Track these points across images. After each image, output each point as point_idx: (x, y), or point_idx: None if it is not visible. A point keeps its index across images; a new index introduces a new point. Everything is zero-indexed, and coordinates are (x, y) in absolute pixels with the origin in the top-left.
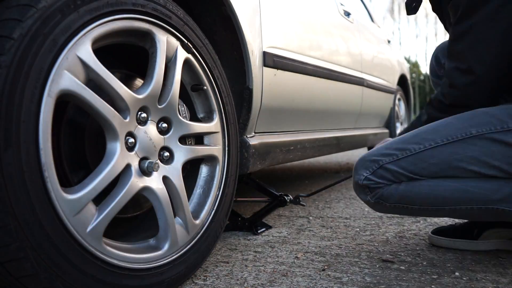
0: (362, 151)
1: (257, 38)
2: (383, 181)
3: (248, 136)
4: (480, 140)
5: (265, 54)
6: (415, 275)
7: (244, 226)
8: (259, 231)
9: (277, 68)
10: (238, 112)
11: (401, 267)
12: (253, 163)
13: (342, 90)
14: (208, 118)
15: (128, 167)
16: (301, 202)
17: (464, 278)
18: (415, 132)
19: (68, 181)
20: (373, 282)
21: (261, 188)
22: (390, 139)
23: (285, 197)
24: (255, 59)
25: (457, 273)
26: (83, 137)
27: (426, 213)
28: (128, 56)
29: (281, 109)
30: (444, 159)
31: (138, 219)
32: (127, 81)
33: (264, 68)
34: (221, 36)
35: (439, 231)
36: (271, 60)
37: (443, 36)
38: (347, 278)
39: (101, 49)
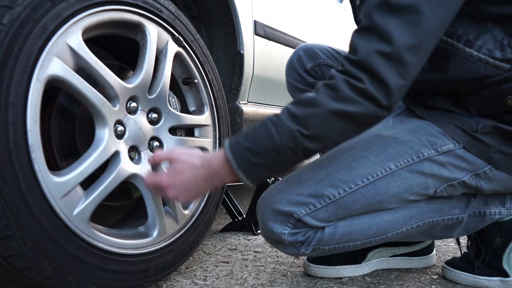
0: None
1: (248, 6)
2: (309, 229)
3: (241, 102)
4: (400, 175)
5: (256, 23)
6: (415, 275)
7: (244, 226)
8: (259, 231)
9: (269, 39)
10: (230, 78)
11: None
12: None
13: None
14: (199, 111)
15: (116, 153)
16: None
17: None
18: (325, 169)
19: (58, 167)
20: (373, 282)
21: None
22: None
23: (267, 180)
24: (245, 26)
25: None
26: (73, 125)
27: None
28: (123, 51)
29: (274, 81)
30: (366, 202)
31: (132, 208)
32: (121, 74)
33: (255, 36)
34: (212, 3)
35: (316, 260)
36: (262, 30)
37: None
38: (347, 278)
39: (96, 43)
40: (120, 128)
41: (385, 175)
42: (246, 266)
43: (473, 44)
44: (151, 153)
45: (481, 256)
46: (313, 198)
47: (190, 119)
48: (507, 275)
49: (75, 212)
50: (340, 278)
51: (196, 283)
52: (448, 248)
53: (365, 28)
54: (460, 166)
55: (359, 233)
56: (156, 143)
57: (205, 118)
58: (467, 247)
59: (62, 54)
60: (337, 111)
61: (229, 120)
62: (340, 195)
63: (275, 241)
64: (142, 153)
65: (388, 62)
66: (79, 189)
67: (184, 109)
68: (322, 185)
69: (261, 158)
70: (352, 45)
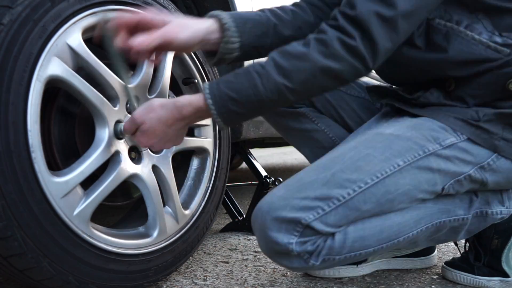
0: None
1: (248, 6)
2: (319, 236)
3: None
4: (408, 171)
5: None
6: (415, 275)
7: (244, 226)
8: None
9: None
10: None
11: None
12: (246, 130)
13: None
14: None
15: (117, 154)
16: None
17: None
18: (329, 171)
19: (58, 167)
20: (373, 282)
21: (249, 162)
22: None
23: (268, 179)
24: None
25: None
26: (73, 125)
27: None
28: None
29: None
30: (377, 201)
31: (132, 208)
32: None
33: None
34: (212, 3)
35: None
36: None
37: None
38: (347, 278)
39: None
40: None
41: (394, 171)
42: (246, 266)
43: (474, 29)
44: (151, 153)
45: (480, 259)
46: (321, 201)
47: None
48: (507, 275)
49: (76, 212)
50: (340, 278)
51: (196, 283)
52: (448, 248)
53: None
54: (465, 160)
55: (371, 238)
56: None
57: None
58: (465, 251)
59: (62, 54)
60: (326, 68)
61: None
62: (349, 195)
63: (279, 253)
64: (142, 153)
65: (384, 25)
66: (79, 189)
67: None
68: (329, 186)
69: (243, 108)
70: (351, 0)
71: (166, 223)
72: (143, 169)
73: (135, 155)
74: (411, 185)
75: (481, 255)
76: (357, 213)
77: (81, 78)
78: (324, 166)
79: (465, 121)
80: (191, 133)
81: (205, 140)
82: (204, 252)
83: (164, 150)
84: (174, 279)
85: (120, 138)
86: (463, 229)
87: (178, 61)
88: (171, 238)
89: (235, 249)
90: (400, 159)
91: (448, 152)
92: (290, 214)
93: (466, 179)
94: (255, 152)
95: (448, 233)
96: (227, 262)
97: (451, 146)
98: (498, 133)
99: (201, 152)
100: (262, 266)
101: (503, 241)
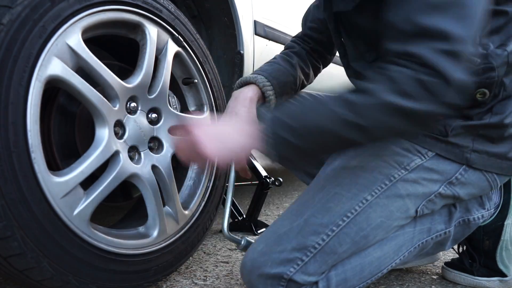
0: None
1: (248, 6)
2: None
3: None
4: (377, 204)
5: (256, 23)
6: (415, 275)
7: (244, 226)
8: (259, 232)
9: (269, 39)
10: (230, 78)
11: (401, 267)
12: None
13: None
14: (199, 111)
15: (116, 153)
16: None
17: None
18: (301, 217)
19: (58, 167)
20: (373, 282)
21: (249, 162)
22: None
23: (268, 179)
24: (245, 26)
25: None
26: (73, 125)
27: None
28: (124, 52)
29: None
30: (351, 241)
31: (132, 208)
32: (122, 74)
33: (256, 36)
34: (212, 3)
35: None
36: (262, 30)
37: None
38: None
39: (98, 43)
40: (120, 128)
41: (363, 207)
42: None
43: None
44: (151, 153)
45: (476, 261)
46: (298, 252)
47: (190, 119)
48: (504, 275)
49: (75, 212)
50: None
51: (196, 283)
52: None
53: (414, 34)
54: (432, 179)
55: (354, 278)
56: (156, 143)
57: (205, 118)
58: (459, 254)
59: (62, 54)
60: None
61: None
62: (324, 241)
63: None
64: (142, 153)
65: (450, 59)
66: (79, 189)
67: (185, 110)
68: (303, 234)
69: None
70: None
71: (166, 223)
72: (143, 169)
73: (135, 155)
74: (383, 217)
75: (475, 257)
76: (335, 256)
77: (81, 78)
78: (297, 212)
79: (434, 138)
80: None
81: None
82: (204, 252)
83: (164, 149)
84: (174, 279)
85: (119, 136)
86: (448, 240)
87: (178, 61)
88: (171, 238)
89: (235, 249)
90: (367, 193)
91: (414, 175)
92: (273, 270)
93: (437, 197)
94: (255, 152)
95: (434, 247)
96: (227, 262)
97: (416, 168)
98: (469, 145)
99: None
100: None
101: (494, 241)
